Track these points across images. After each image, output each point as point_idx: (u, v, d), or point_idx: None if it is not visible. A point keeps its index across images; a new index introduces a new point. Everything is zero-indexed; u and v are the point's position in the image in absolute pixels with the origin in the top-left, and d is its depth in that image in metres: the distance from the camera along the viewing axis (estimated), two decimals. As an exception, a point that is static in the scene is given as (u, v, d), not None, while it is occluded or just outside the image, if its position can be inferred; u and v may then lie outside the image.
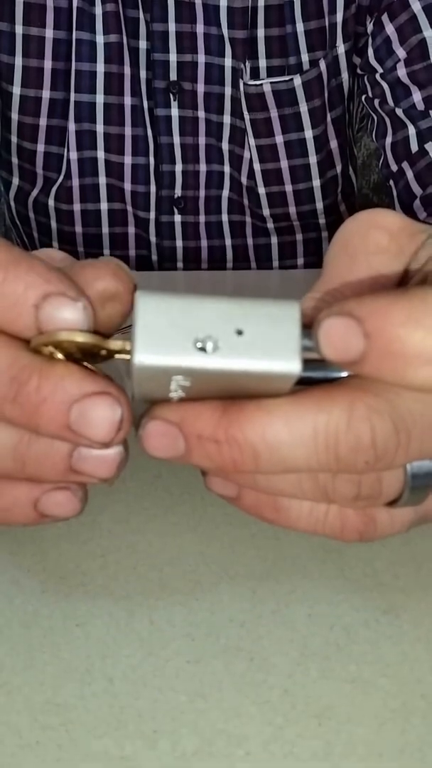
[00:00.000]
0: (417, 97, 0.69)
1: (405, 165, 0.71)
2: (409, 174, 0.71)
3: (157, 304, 0.23)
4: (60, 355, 0.25)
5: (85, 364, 0.25)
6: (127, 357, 0.24)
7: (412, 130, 0.70)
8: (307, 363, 0.24)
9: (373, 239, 0.28)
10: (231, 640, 0.33)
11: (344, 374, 0.25)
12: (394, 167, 0.72)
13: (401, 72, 0.69)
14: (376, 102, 0.73)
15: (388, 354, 0.22)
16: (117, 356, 0.25)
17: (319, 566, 0.37)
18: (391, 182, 0.74)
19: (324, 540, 0.38)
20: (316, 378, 0.25)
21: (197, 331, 0.23)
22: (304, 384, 0.25)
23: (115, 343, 0.25)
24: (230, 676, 0.32)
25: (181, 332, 0.23)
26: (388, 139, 0.72)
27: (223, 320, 0.23)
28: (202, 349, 0.23)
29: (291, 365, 0.23)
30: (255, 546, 0.39)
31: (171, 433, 0.25)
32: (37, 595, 0.35)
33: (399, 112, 0.70)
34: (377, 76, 0.72)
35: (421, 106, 0.69)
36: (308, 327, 0.24)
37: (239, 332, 0.23)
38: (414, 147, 0.70)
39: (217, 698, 0.31)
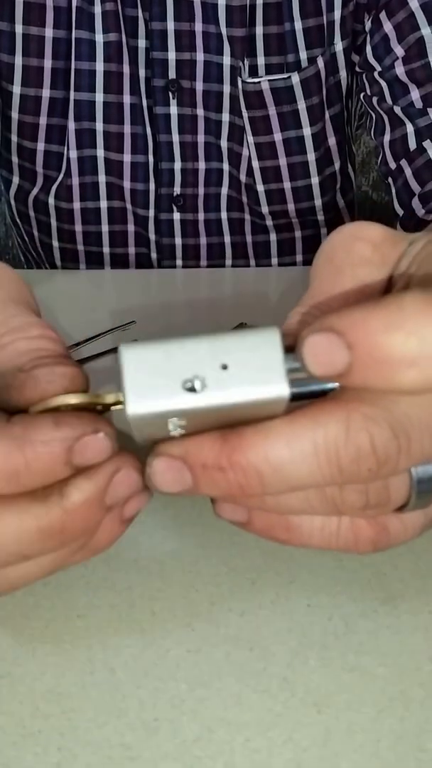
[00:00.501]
0: (415, 95, 0.70)
1: (403, 162, 0.71)
2: (408, 171, 0.71)
3: (139, 353, 0.24)
4: None
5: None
6: (122, 407, 0.25)
7: (410, 128, 0.70)
8: (296, 381, 0.25)
9: (358, 251, 0.29)
10: (231, 630, 0.34)
11: (335, 384, 0.26)
12: (392, 165, 0.73)
13: (399, 70, 0.70)
14: (375, 100, 0.74)
15: (372, 362, 0.23)
16: (113, 408, 0.27)
17: (318, 558, 0.38)
18: (390, 180, 0.74)
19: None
20: (308, 392, 0.26)
21: (183, 372, 0.24)
22: (298, 400, 0.25)
23: (108, 397, 0.26)
24: (230, 665, 0.32)
25: (168, 377, 0.24)
26: (387, 137, 0.73)
27: (207, 358, 0.24)
28: (192, 389, 0.24)
29: (279, 389, 0.24)
30: (254, 539, 0.39)
31: (176, 467, 0.25)
32: (39, 587, 0.36)
33: (397, 109, 0.71)
34: (375, 74, 0.72)
35: (419, 104, 0.70)
36: (292, 348, 0.25)
37: (224, 366, 0.24)
38: (412, 144, 0.70)
39: (217, 687, 0.31)
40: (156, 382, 0.24)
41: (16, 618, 0.34)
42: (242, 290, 0.75)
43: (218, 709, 0.30)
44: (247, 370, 0.24)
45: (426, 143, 0.69)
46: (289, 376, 0.24)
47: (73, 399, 0.26)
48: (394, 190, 0.73)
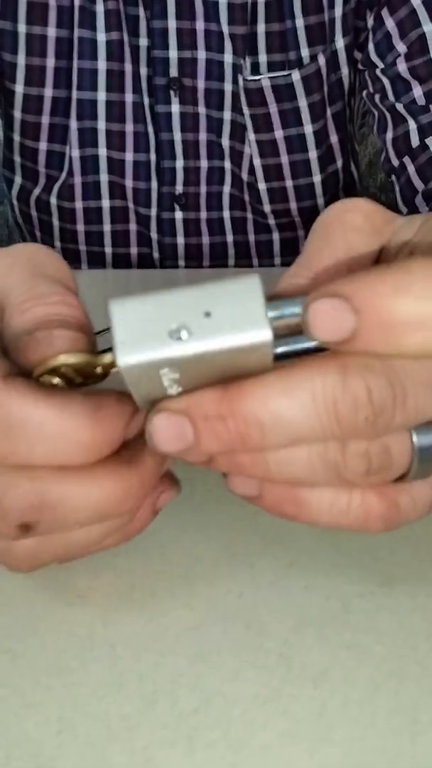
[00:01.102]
0: (418, 91, 0.71)
1: (406, 160, 0.72)
2: (411, 169, 0.72)
3: (128, 307, 0.25)
4: (61, 382, 0.28)
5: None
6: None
7: (412, 125, 0.71)
8: (280, 338, 0.26)
9: (349, 220, 0.30)
10: (229, 609, 0.34)
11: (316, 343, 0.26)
12: (395, 162, 0.73)
13: (402, 67, 0.71)
14: (377, 97, 0.75)
15: (379, 325, 0.23)
16: (112, 371, 0.28)
17: (316, 543, 0.38)
18: (393, 177, 0.75)
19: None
20: (293, 351, 0.27)
21: (169, 322, 0.25)
22: (283, 358, 0.26)
23: (106, 357, 0.27)
24: (228, 641, 0.33)
25: (154, 327, 0.25)
26: (389, 135, 0.74)
27: (191, 307, 0.25)
28: (178, 339, 0.25)
29: (262, 333, 0.24)
30: (253, 524, 0.40)
31: (177, 422, 0.26)
32: (39, 570, 0.36)
33: (399, 107, 0.72)
34: (377, 72, 0.73)
35: (421, 101, 0.71)
36: (273, 298, 0.26)
37: (207, 314, 0.25)
38: (415, 141, 0.71)
39: (215, 661, 0.32)
40: (143, 333, 0.25)
41: (17, 598, 0.35)
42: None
43: (216, 682, 0.31)
44: (230, 316, 0.25)
45: (429, 140, 0.70)
46: (270, 320, 0.25)
47: (72, 359, 0.27)
48: (397, 188, 0.74)
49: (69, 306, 0.29)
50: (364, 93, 0.77)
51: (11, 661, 0.32)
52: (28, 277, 0.30)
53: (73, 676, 0.31)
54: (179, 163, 0.79)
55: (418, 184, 0.71)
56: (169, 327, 0.25)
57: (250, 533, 0.39)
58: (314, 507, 0.29)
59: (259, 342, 0.25)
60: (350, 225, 0.30)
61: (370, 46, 0.73)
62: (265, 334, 0.25)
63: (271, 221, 0.82)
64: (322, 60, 0.75)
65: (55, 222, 0.83)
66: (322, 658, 0.32)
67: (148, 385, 0.26)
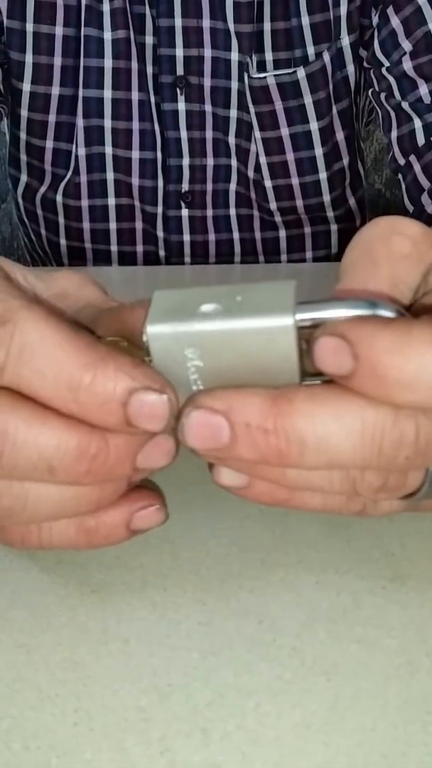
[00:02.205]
0: (423, 89, 0.71)
1: (412, 158, 0.73)
2: (417, 167, 0.73)
3: (167, 294, 0.27)
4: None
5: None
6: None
7: (418, 123, 0.72)
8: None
9: (397, 246, 0.30)
10: (241, 605, 0.35)
11: None
12: (401, 161, 0.74)
13: (407, 65, 0.71)
14: (382, 96, 0.75)
15: (373, 376, 0.25)
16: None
17: (327, 539, 0.39)
18: (400, 176, 0.76)
19: (331, 515, 0.40)
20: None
21: (201, 304, 0.26)
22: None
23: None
24: (240, 636, 0.34)
25: (186, 307, 0.27)
26: (394, 133, 0.74)
27: (225, 295, 0.27)
28: (205, 315, 0.26)
29: (285, 319, 0.26)
30: (263, 520, 0.41)
31: (215, 422, 0.26)
32: (53, 565, 0.37)
33: (405, 105, 0.72)
34: (383, 70, 0.74)
35: (427, 99, 0.71)
36: (306, 303, 0.27)
37: (238, 302, 0.26)
38: (420, 140, 0.72)
39: (227, 656, 0.33)
40: (175, 310, 0.27)
41: (31, 593, 0.36)
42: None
43: (229, 676, 0.32)
44: (258, 303, 0.26)
45: None
46: (297, 317, 0.26)
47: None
48: (404, 186, 0.75)
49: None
50: (370, 91, 0.78)
51: (26, 655, 0.33)
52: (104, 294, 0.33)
53: (87, 670, 0.32)
54: (185, 161, 0.80)
55: (424, 183, 0.72)
56: (200, 307, 0.26)
57: (261, 529, 0.40)
58: (306, 497, 0.30)
59: (281, 326, 0.26)
60: (398, 253, 0.29)
61: (376, 44, 0.74)
62: (287, 320, 0.26)
63: (278, 218, 0.83)
64: (327, 57, 0.75)
65: (61, 220, 0.84)
66: (334, 652, 0.33)
67: (172, 368, 0.27)
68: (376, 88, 0.76)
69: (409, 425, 0.26)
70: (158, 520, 0.32)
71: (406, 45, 0.71)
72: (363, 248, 0.30)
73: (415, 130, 0.72)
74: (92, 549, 0.32)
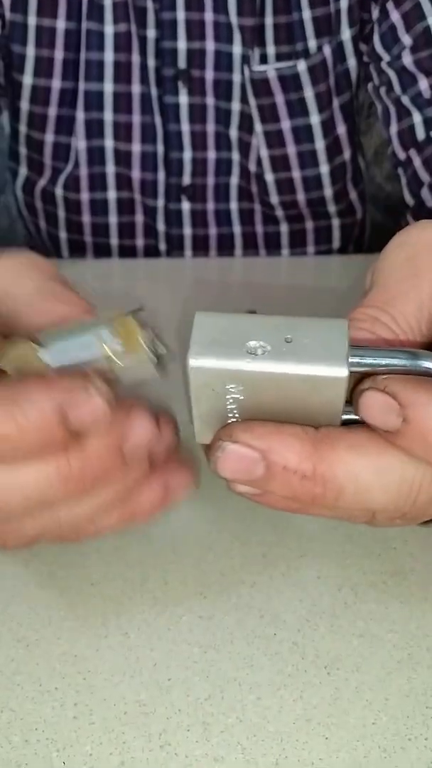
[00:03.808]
0: (423, 84, 0.71)
1: (412, 152, 0.73)
2: (417, 161, 0.73)
3: (211, 317, 0.26)
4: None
5: None
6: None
7: (417, 118, 0.72)
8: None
9: None
10: (242, 599, 0.35)
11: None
12: (401, 155, 0.74)
13: (407, 59, 0.71)
14: (382, 90, 0.75)
15: (422, 441, 0.25)
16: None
17: (328, 534, 0.39)
18: (400, 170, 0.75)
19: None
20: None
21: (248, 339, 0.25)
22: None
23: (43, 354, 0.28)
24: (241, 630, 0.34)
25: (232, 340, 0.25)
26: (394, 128, 0.74)
27: (273, 331, 0.25)
28: (253, 354, 0.25)
29: (339, 370, 0.25)
30: (265, 516, 0.41)
31: (251, 458, 0.26)
32: (52, 558, 0.37)
33: (405, 100, 0.72)
34: (383, 64, 0.74)
35: (427, 94, 0.71)
36: (356, 344, 0.26)
37: (288, 340, 0.25)
38: (420, 135, 0.72)
39: (228, 650, 0.33)
40: (221, 342, 0.25)
41: (31, 587, 0.36)
42: (251, 279, 0.77)
43: (230, 670, 0.32)
44: (311, 347, 0.25)
45: None
46: (349, 363, 0.25)
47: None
48: (404, 181, 0.75)
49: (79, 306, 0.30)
50: (369, 86, 0.78)
51: (26, 649, 0.33)
52: (40, 279, 0.31)
53: (87, 664, 0.32)
54: (187, 155, 0.80)
55: (424, 177, 0.72)
56: (248, 343, 0.25)
57: (262, 524, 0.40)
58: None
59: (333, 378, 0.25)
60: None
61: (376, 38, 0.73)
62: (342, 371, 0.25)
63: (279, 213, 0.83)
64: (327, 50, 0.75)
65: (61, 213, 0.84)
66: (335, 646, 0.33)
67: (210, 399, 0.26)
68: (376, 83, 0.76)
69: None
70: (190, 489, 0.31)
71: (406, 39, 0.71)
72: (407, 255, 0.29)
73: (414, 125, 0.72)
74: (139, 525, 0.31)
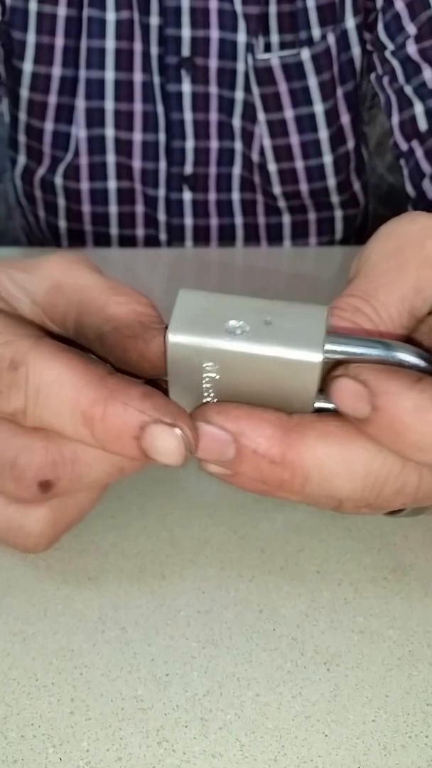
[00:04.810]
0: (428, 74, 0.71)
1: (414, 143, 0.73)
2: (419, 152, 0.72)
3: (193, 295, 0.27)
4: None
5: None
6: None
7: (419, 108, 0.71)
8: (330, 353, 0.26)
9: (429, 252, 0.29)
10: (240, 593, 0.35)
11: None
12: (403, 146, 0.74)
13: (411, 48, 0.71)
14: (385, 80, 0.75)
15: (391, 431, 0.25)
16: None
17: (327, 528, 0.39)
18: (402, 161, 0.75)
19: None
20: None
21: (228, 319, 0.26)
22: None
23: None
24: (240, 625, 0.33)
25: (213, 319, 0.26)
26: (396, 118, 0.74)
27: (254, 312, 0.26)
28: (232, 333, 0.26)
29: (313, 355, 0.25)
30: (263, 510, 0.40)
31: (223, 440, 0.27)
32: (49, 552, 0.37)
33: (408, 90, 0.72)
34: (387, 53, 0.73)
35: (431, 84, 0.71)
36: (334, 332, 0.27)
37: (267, 323, 0.26)
38: (423, 125, 0.72)
39: (227, 645, 0.32)
40: (201, 320, 0.26)
41: (28, 580, 0.36)
42: (252, 270, 0.77)
43: (229, 666, 0.31)
44: (289, 330, 0.26)
45: None
46: (325, 350, 0.26)
47: None
48: (406, 172, 0.74)
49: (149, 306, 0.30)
50: (372, 76, 0.77)
51: (22, 643, 0.32)
52: (99, 275, 0.32)
53: (84, 658, 0.32)
54: (189, 144, 0.79)
55: (426, 168, 0.72)
56: (227, 322, 0.26)
57: (260, 518, 0.40)
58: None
59: (308, 362, 0.25)
60: (429, 259, 0.29)
61: (380, 27, 0.73)
62: (317, 357, 0.25)
63: (281, 203, 0.83)
64: (331, 39, 0.75)
65: (61, 202, 0.84)
66: (335, 642, 0.33)
67: (187, 376, 0.27)
68: (379, 72, 0.75)
69: (413, 477, 0.26)
70: (173, 448, 0.27)
71: (411, 28, 0.71)
72: (394, 246, 0.29)
73: (416, 116, 0.72)
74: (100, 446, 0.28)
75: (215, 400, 0.28)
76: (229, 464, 0.27)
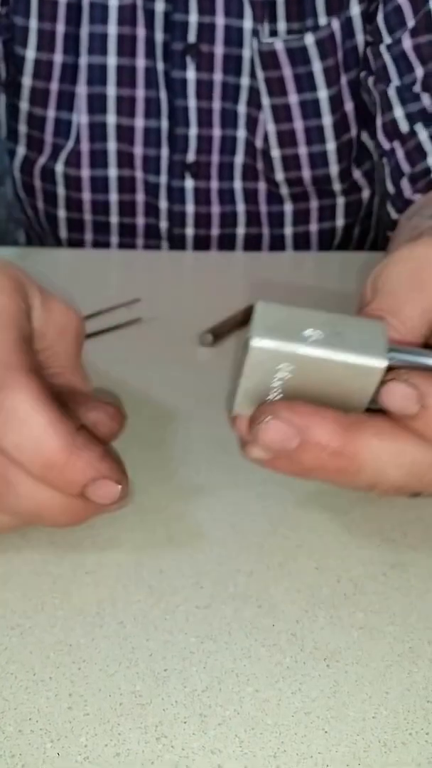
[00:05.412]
0: (420, 72, 0.71)
1: (396, 144, 0.74)
2: (399, 153, 0.73)
3: (271, 307, 0.31)
4: None
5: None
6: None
7: (399, 112, 0.72)
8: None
9: None
10: (239, 588, 0.35)
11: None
12: (386, 146, 0.75)
13: (407, 43, 0.71)
14: (370, 81, 0.76)
15: None
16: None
17: (326, 524, 0.39)
18: (384, 160, 0.76)
19: (331, 500, 0.40)
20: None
21: (304, 328, 0.31)
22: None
23: None
24: (239, 620, 0.34)
25: (290, 327, 0.31)
26: (379, 120, 0.75)
27: (324, 323, 0.31)
28: (308, 340, 0.30)
29: (378, 361, 0.30)
30: (262, 505, 0.41)
31: (289, 433, 0.31)
32: (45, 546, 0.37)
33: (391, 92, 0.72)
34: (381, 48, 0.73)
35: (417, 88, 0.71)
36: (395, 348, 0.32)
37: (338, 333, 0.31)
38: (404, 128, 0.72)
39: (226, 640, 0.33)
40: (280, 328, 0.31)
41: (23, 574, 0.36)
42: (252, 274, 0.77)
43: (227, 661, 0.32)
44: (357, 340, 0.31)
45: (417, 126, 0.71)
46: (389, 362, 0.31)
47: None
48: (387, 170, 0.75)
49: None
50: (362, 74, 0.78)
51: (19, 636, 0.33)
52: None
53: (82, 653, 0.32)
54: (192, 131, 0.79)
55: (406, 168, 0.73)
56: (303, 331, 0.31)
57: (258, 513, 0.40)
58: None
59: (373, 367, 0.30)
60: None
61: (379, 18, 0.73)
62: (381, 363, 0.30)
63: (284, 191, 0.83)
64: (336, 25, 0.75)
65: (61, 191, 0.84)
66: (335, 638, 0.33)
67: (260, 376, 0.31)
68: (371, 68, 0.76)
69: None
70: (113, 495, 0.33)
71: (410, 22, 0.71)
72: (412, 268, 0.35)
73: (396, 119, 0.73)
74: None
75: (279, 397, 0.32)
76: (291, 453, 0.31)
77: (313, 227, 0.86)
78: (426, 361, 0.32)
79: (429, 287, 0.34)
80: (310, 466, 0.31)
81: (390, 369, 0.31)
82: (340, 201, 0.85)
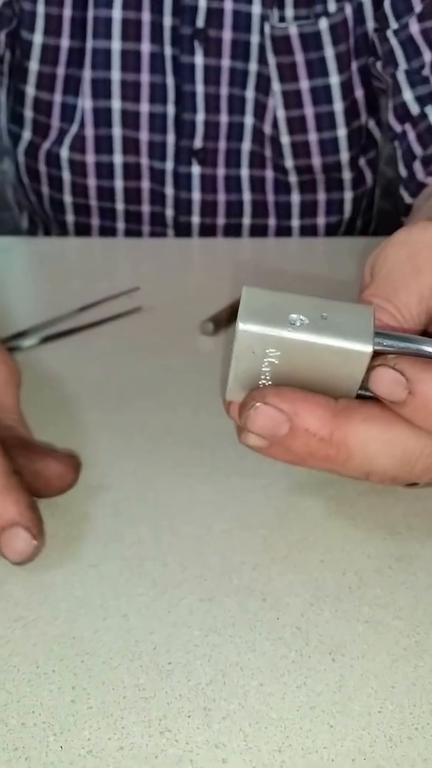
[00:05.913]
0: (428, 57, 0.71)
1: (407, 126, 0.74)
2: (411, 135, 0.73)
3: (256, 292, 0.31)
4: None
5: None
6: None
7: (408, 96, 0.72)
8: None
9: None
10: (243, 581, 0.35)
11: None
12: (397, 128, 0.75)
13: (414, 28, 0.71)
14: (378, 65, 0.75)
15: (424, 411, 0.30)
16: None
17: (331, 517, 0.39)
18: (396, 143, 0.76)
19: (335, 492, 0.40)
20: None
21: (290, 312, 0.30)
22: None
23: None
24: (243, 613, 0.34)
25: (276, 312, 0.31)
26: (390, 102, 0.75)
27: (311, 308, 0.31)
28: (293, 324, 0.30)
29: (365, 346, 0.30)
30: (266, 497, 0.41)
31: (278, 418, 0.31)
32: (48, 538, 0.37)
33: (400, 76, 0.72)
34: (389, 33, 0.73)
35: (426, 71, 0.71)
36: (383, 333, 0.32)
37: (324, 317, 0.30)
38: (414, 110, 0.72)
39: (230, 634, 0.33)
40: (266, 313, 0.30)
41: (27, 566, 0.36)
42: (254, 261, 0.77)
43: (232, 654, 0.32)
44: (343, 325, 0.30)
45: (428, 108, 0.72)
46: (375, 347, 0.30)
47: None
48: (399, 153, 0.75)
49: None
50: (370, 60, 0.77)
51: (22, 629, 0.33)
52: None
53: (85, 646, 0.32)
54: (200, 116, 0.79)
55: (418, 150, 0.73)
56: (290, 316, 0.30)
57: (262, 506, 0.40)
58: None
59: (360, 352, 0.30)
60: None
61: (386, 3, 0.73)
62: (367, 347, 0.30)
63: (293, 178, 0.83)
64: (348, 10, 0.75)
65: (66, 176, 0.84)
66: (340, 632, 0.33)
67: (249, 361, 0.31)
68: (378, 54, 0.76)
69: None
70: (27, 549, 0.34)
71: (417, 7, 0.71)
72: (409, 252, 0.34)
73: (406, 102, 0.73)
74: None
75: (269, 384, 0.32)
76: (281, 439, 0.31)
77: (321, 220, 0.86)
78: (415, 346, 0.31)
79: (425, 272, 0.34)
80: (300, 453, 0.31)
81: (379, 354, 0.31)
82: (349, 196, 0.85)
